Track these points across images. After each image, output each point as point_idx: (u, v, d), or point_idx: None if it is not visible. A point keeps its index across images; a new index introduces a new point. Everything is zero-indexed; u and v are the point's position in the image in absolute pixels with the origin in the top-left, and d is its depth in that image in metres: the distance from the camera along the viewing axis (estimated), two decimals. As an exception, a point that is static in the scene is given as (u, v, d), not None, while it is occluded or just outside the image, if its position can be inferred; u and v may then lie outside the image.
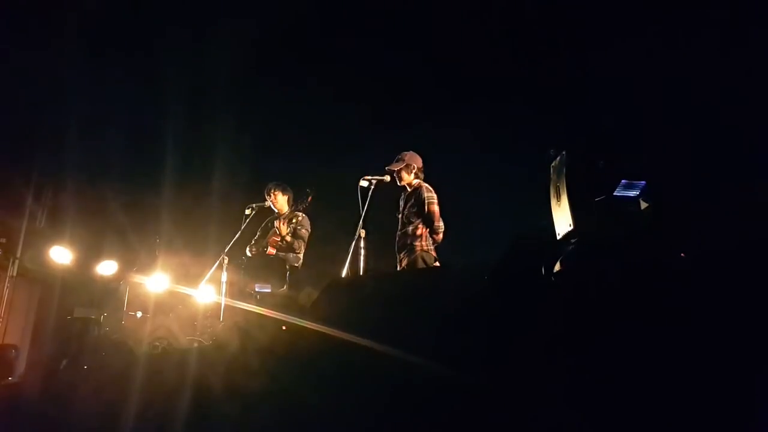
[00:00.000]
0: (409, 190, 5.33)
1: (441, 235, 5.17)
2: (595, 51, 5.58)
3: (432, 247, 5.13)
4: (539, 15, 6.22)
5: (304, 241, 6.06)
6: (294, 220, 6.07)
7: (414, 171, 5.32)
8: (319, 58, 7.58)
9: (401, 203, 5.38)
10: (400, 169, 5.30)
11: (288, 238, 5.97)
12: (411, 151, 5.40)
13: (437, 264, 5.12)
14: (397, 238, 5.29)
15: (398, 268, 5.18)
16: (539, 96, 6.23)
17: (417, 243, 5.08)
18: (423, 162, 5.41)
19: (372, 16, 7.07)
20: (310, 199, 6.08)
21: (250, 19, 7.07)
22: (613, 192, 2.27)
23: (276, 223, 6.05)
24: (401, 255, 5.19)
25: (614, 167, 2.35)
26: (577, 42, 5.89)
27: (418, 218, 5.14)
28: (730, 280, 1.87)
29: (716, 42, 4.52)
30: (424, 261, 5.03)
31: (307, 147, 8.12)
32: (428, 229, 5.12)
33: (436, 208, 5.13)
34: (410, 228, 5.15)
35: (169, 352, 6.01)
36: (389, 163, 5.35)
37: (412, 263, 5.05)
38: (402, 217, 5.30)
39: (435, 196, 5.19)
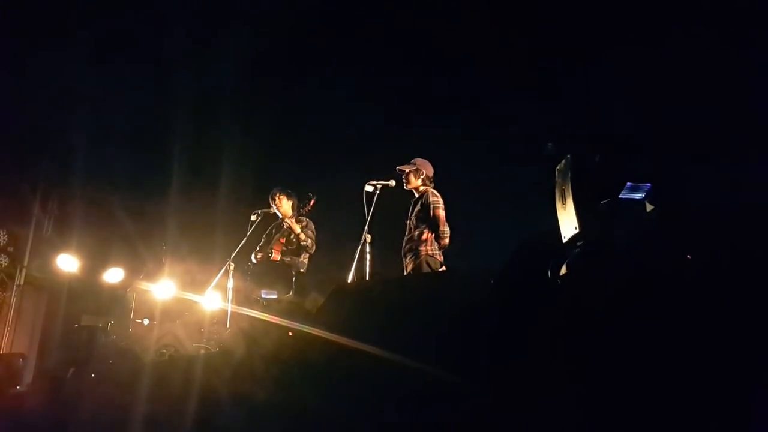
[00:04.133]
0: (416, 195, 5.34)
1: (447, 240, 5.15)
2: (600, 53, 5.57)
3: (438, 252, 5.11)
4: (544, 16, 6.21)
5: (313, 241, 6.06)
6: (300, 224, 6.09)
7: (422, 177, 5.30)
8: (324, 63, 7.60)
9: (410, 209, 5.39)
10: (409, 172, 5.29)
11: (302, 236, 5.96)
12: (425, 159, 5.40)
13: (443, 268, 5.11)
14: (403, 243, 5.29)
15: (404, 273, 5.18)
16: (545, 99, 6.22)
17: (422, 247, 5.08)
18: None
19: (377, 19, 7.09)
20: (312, 203, 6.08)
21: (254, 25, 7.09)
22: (619, 195, 2.26)
23: (286, 224, 6.04)
24: (407, 260, 5.20)
25: (617, 167, 2.34)
26: (583, 45, 5.88)
27: (424, 223, 5.14)
28: (736, 282, 1.86)
29: (718, 43, 4.51)
30: (428, 265, 5.03)
31: (313, 152, 8.14)
32: (434, 234, 5.11)
33: (441, 213, 5.12)
34: (416, 233, 5.16)
35: (175, 359, 6.02)
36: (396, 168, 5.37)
37: (417, 267, 5.06)
38: (409, 223, 5.30)
39: (441, 201, 5.18)
